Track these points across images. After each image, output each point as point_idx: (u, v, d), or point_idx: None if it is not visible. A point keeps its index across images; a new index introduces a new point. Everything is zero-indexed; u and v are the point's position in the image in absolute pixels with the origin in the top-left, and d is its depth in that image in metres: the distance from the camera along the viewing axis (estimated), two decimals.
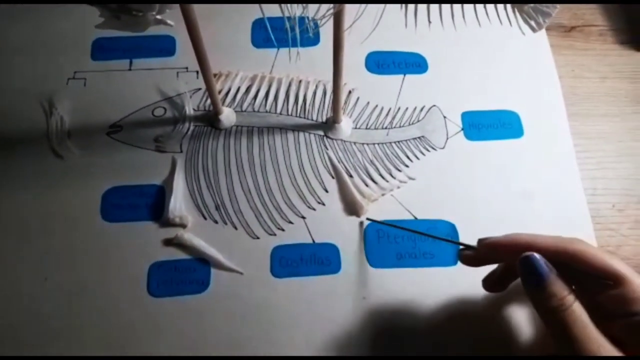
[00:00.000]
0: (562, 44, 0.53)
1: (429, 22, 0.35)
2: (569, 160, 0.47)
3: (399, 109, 0.49)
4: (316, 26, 0.35)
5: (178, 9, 0.33)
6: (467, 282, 0.42)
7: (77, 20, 0.52)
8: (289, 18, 0.33)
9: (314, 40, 0.52)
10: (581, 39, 0.54)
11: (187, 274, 0.42)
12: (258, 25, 0.52)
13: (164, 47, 0.51)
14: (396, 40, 0.52)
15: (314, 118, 0.49)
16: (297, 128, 0.48)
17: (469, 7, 0.35)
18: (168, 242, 0.43)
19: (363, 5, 0.32)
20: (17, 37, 0.51)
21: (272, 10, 0.32)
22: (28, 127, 0.47)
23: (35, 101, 0.48)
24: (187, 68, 0.50)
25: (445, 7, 0.34)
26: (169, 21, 0.29)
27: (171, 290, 0.41)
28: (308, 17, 0.34)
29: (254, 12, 0.53)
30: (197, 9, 0.53)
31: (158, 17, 0.28)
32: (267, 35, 0.52)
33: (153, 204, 0.44)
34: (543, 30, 0.53)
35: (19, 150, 0.46)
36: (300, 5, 0.33)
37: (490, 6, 0.35)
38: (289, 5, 0.33)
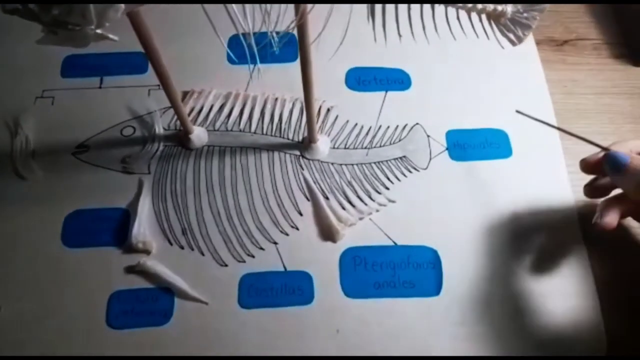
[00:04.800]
0: (554, 58, 0.51)
1: (399, 35, 0.32)
2: (562, 182, 0.44)
3: (380, 127, 0.47)
4: (280, 40, 0.33)
5: (126, 22, 0.31)
6: (450, 314, 0.39)
7: None
8: (245, 34, 0.31)
9: (292, 56, 0.49)
10: (574, 53, 0.51)
11: (149, 304, 0.39)
12: (234, 42, 0.50)
13: (136, 64, 0.49)
14: (378, 56, 0.50)
15: (290, 137, 0.46)
16: (272, 147, 0.46)
17: (442, 21, 0.32)
18: (130, 270, 0.40)
19: (328, 16, 0.30)
20: None
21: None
22: None
23: (1, 120, 0.46)
24: (159, 86, 0.48)
25: (416, 18, 0.32)
26: (111, 36, 0.27)
27: (131, 322, 0.39)
28: (270, 31, 0.32)
29: (229, 28, 0.51)
30: (171, 24, 0.52)
31: (98, 31, 0.26)
32: (242, 51, 0.49)
33: (117, 228, 0.42)
34: (533, 44, 0.51)
35: None
36: (262, 19, 0.31)
37: (465, 18, 0.33)
38: (249, 20, 0.32)
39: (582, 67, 0.51)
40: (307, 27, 0.33)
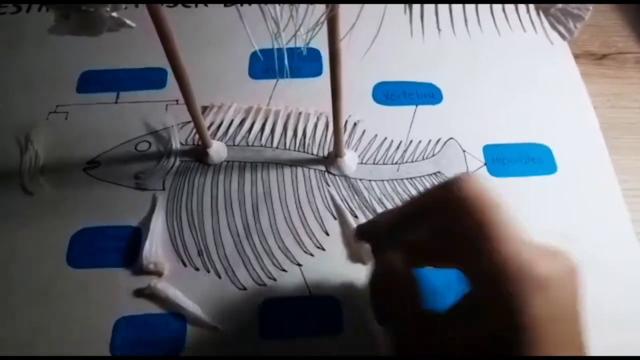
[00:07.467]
0: (594, 72, 0.48)
1: (439, 29, 0.30)
2: (615, 199, 0.40)
3: (411, 142, 0.44)
4: (307, 36, 0.31)
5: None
6: None
7: (63, 53, 0.49)
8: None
9: (317, 70, 0.47)
10: (615, 67, 0.48)
11: (159, 330, 0.35)
12: (256, 56, 0.48)
13: (154, 79, 0.47)
14: (406, 70, 0.47)
15: (315, 152, 0.43)
16: (295, 163, 0.43)
17: (485, 11, 0.30)
18: (139, 293, 0.37)
19: (358, 11, 0.27)
20: (3, 69, 0.48)
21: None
22: (1, 163, 0.43)
23: (12, 136, 0.44)
24: (177, 101, 0.46)
25: (458, 15, 0.29)
26: (128, 21, 0.25)
27: (138, 352, 0.34)
28: (297, 27, 0.30)
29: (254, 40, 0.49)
30: (191, 37, 0.50)
31: (113, 14, 0.24)
32: (265, 66, 0.48)
33: (126, 247, 0.38)
34: (571, 56, 0.48)
35: None
36: (291, 19, 0.29)
37: (512, 14, 0.30)
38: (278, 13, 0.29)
39: (625, 81, 0.47)
40: (338, 21, 0.30)
